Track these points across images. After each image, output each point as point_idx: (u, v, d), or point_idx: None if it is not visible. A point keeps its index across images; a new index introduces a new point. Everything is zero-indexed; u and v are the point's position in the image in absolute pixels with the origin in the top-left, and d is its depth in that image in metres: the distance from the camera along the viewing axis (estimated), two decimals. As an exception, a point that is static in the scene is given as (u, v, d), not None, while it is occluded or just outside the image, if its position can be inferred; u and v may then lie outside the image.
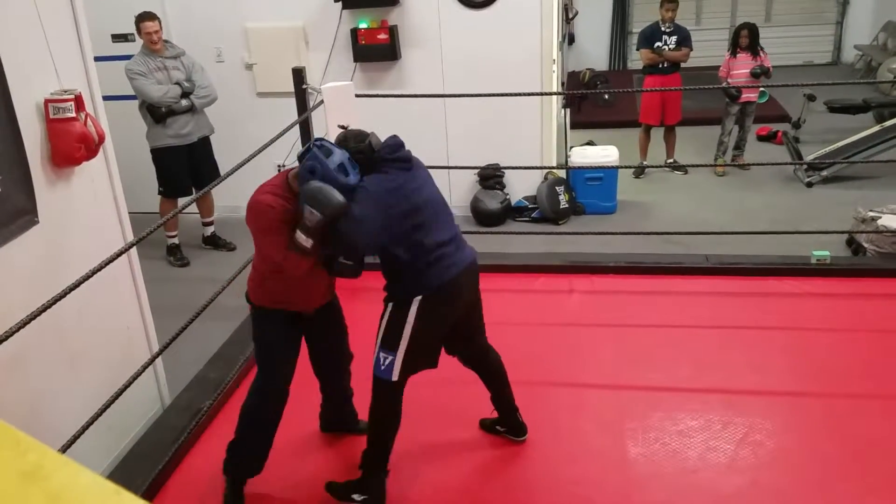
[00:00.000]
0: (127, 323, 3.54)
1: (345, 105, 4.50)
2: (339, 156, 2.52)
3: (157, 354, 3.21)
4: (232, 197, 6.09)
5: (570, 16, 9.16)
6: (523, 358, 3.82)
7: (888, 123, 6.57)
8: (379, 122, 5.63)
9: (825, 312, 4.05)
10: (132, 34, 5.54)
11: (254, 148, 3.70)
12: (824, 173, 6.34)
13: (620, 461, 3.04)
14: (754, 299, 4.21)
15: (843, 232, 5.03)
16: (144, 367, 2.98)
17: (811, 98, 7.26)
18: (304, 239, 2.49)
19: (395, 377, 2.70)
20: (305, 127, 4.71)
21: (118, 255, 2.67)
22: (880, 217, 4.86)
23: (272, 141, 3.81)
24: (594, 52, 11.06)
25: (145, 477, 2.95)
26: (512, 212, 6.04)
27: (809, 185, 6.32)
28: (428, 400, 3.24)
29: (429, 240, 2.61)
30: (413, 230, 2.59)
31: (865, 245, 4.84)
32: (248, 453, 2.90)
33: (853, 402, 3.30)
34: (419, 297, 2.63)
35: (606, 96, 8.87)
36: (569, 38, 9.96)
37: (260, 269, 2.77)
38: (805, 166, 6.41)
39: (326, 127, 4.39)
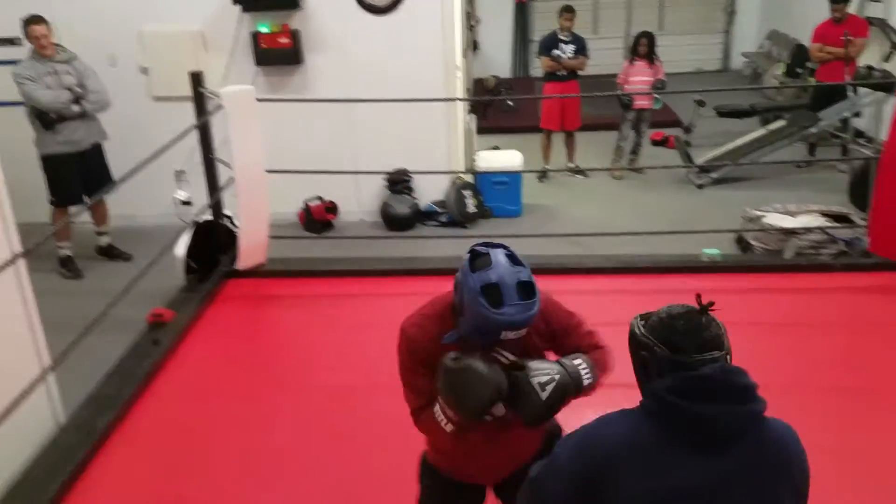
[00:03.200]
0: (15, 339, 3.34)
1: (246, 110, 4.42)
2: (508, 276, 1.75)
3: (47, 371, 3.06)
4: (128, 205, 5.88)
5: (472, 23, 9.31)
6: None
7: (773, 127, 7.00)
8: (284, 127, 5.59)
9: (718, 308, 4.27)
10: (19, 38, 5.25)
11: (150, 154, 3.58)
12: (714, 175, 6.69)
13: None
14: (651, 296, 4.34)
15: (732, 231, 5.32)
16: (32, 385, 2.83)
17: (701, 104, 7.63)
18: (443, 420, 1.88)
19: None
20: (204, 132, 4.61)
21: (3, 267, 2.53)
22: (765, 216, 5.17)
23: (167, 146, 3.70)
24: (498, 60, 11.27)
25: (39, 500, 2.80)
26: (421, 216, 6.08)
27: (700, 186, 6.66)
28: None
29: None
30: None
31: (753, 242, 5.14)
32: None
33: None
34: None
35: (510, 102, 9.06)
36: (473, 46, 10.12)
37: None
38: (696, 169, 6.74)
39: (228, 132, 4.31)
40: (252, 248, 4.68)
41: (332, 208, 5.99)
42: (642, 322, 1.57)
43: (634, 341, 1.56)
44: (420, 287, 4.64)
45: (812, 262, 4.79)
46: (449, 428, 1.87)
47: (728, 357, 1.53)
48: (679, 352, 1.50)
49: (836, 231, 4.97)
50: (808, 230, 4.95)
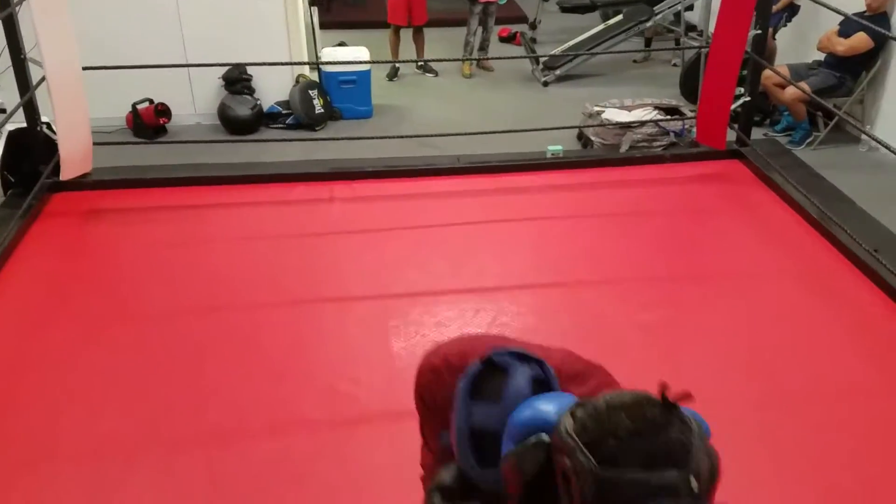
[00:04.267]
0: None
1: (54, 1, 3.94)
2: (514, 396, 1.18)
3: None
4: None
5: None
6: (285, 273, 3.77)
7: (611, 22, 7.16)
8: (98, 20, 5.03)
9: (560, 203, 4.44)
10: None
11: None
12: (558, 72, 6.81)
13: (385, 356, 3.17)
14: (500, 196, 4.50)
15: (573, 127, 5.47)
16: None
17: (545, -1, 7.66)
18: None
19: None
20: (10, 27, 4.10)
21: None
22: (604, 111, 5.36)
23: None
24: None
25: None
26: (265, 118, 5.79)
27: (545, 84, 6.76)
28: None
29: None
30: None
31: (592, 138, 5.33)
32: None
33: (585, 286, 3.69)
34: None
35: (356, -6, 8.68)
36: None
37: None
38: (541, 66, 6.82)
39: (34, 26, 3.83)
40: (74, 155, 4.27)
41: (163, 111, 5.55)
42: (571, 413, 1.02)
43: (556, 440, 1.03)
44: (266, 195, 4.52)
45: (646, 155, 5.07)
46: None
47: (694, 481, 0.96)
48: (611, 465, 0.95)
49: (667, 123, 5.26)
50: (642, 124, 5.19)
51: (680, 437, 0.96)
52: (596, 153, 5.21)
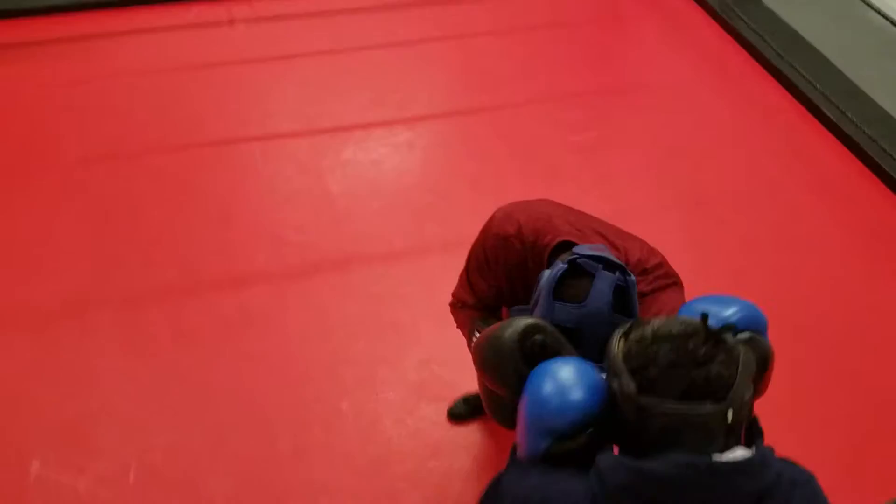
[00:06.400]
0: None
1: None
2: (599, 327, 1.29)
3: None
4: None
5: None
6: (195, 113, 3.57)
7: None
8: None
9: (473, 16, 4.23)
10: None
11: None
12: None
13: (326, 200, 3.16)
14: (410, 10, 4.26)
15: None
16: None
17: None
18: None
19: None
20: None
21: None
22: None
23: None
24: None
25: None
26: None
27: None
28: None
29: None
30: None
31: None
32: None
33: (515, 108, 3.67)
34: None
35: None
36: None
37: None
38: None
39: None
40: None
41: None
42: (624, 336, 1.07)
43: (608, 360, 1.07)
44: (156, 19, 4.14)
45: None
46: None
47: (731, 413, 0.99)
48: (649, 392, 1.00)
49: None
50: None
51: (721, 370, 0.97)
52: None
